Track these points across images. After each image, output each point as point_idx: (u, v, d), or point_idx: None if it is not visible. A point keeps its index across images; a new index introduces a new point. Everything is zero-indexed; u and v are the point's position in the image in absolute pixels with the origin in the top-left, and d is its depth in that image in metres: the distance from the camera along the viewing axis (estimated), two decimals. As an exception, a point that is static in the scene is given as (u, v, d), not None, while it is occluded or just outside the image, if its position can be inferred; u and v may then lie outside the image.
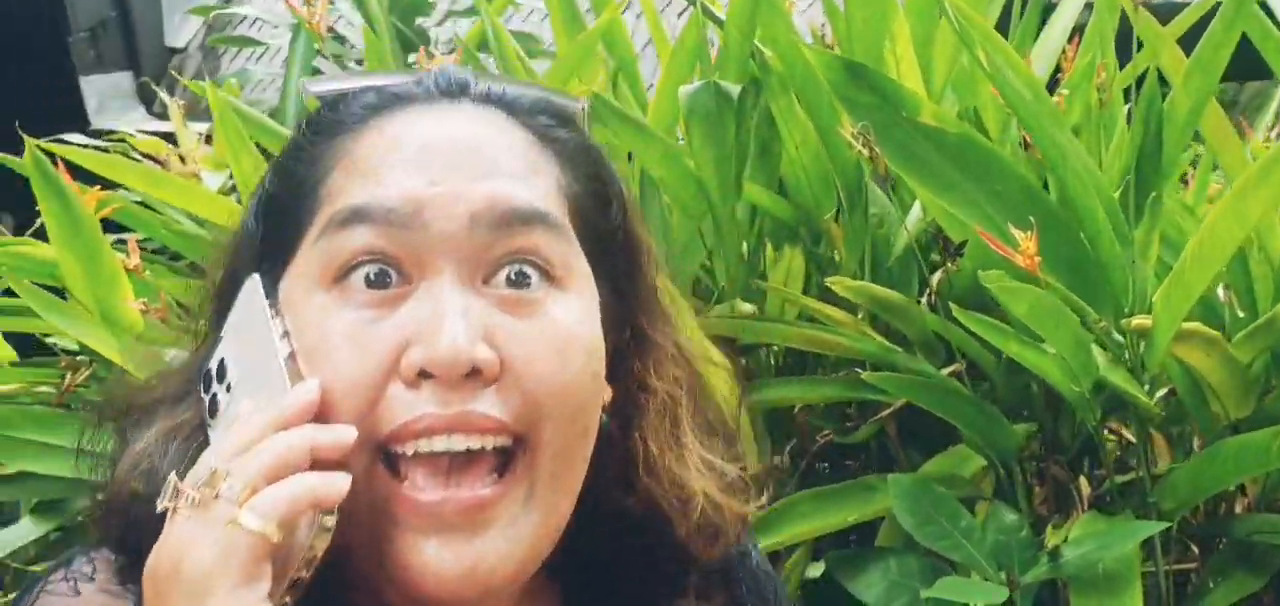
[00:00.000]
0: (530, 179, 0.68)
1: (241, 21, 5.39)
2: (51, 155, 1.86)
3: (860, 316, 1.93)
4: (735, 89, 1.79)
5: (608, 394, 0.72)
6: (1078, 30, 2.12)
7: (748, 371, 1.98)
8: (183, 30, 6.48)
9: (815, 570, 1.78)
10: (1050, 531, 1.73)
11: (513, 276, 0.67)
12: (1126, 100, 2.09)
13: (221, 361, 0.70)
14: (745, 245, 2.26)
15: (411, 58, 3.11)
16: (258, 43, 3.44)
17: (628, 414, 0.74)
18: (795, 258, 2.19)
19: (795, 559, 1.79)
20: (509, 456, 0.66)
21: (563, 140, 0.72)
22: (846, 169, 1.89)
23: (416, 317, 0.64)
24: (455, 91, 0.72)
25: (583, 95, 1.85)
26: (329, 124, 0.71)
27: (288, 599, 0.63)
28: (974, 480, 1.88)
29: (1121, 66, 2.10)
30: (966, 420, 1.81)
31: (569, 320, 0.67)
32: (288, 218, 0.70)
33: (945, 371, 1.96)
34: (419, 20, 2.94)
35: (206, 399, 0.70)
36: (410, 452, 0.65)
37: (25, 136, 1.78)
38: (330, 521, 0.63)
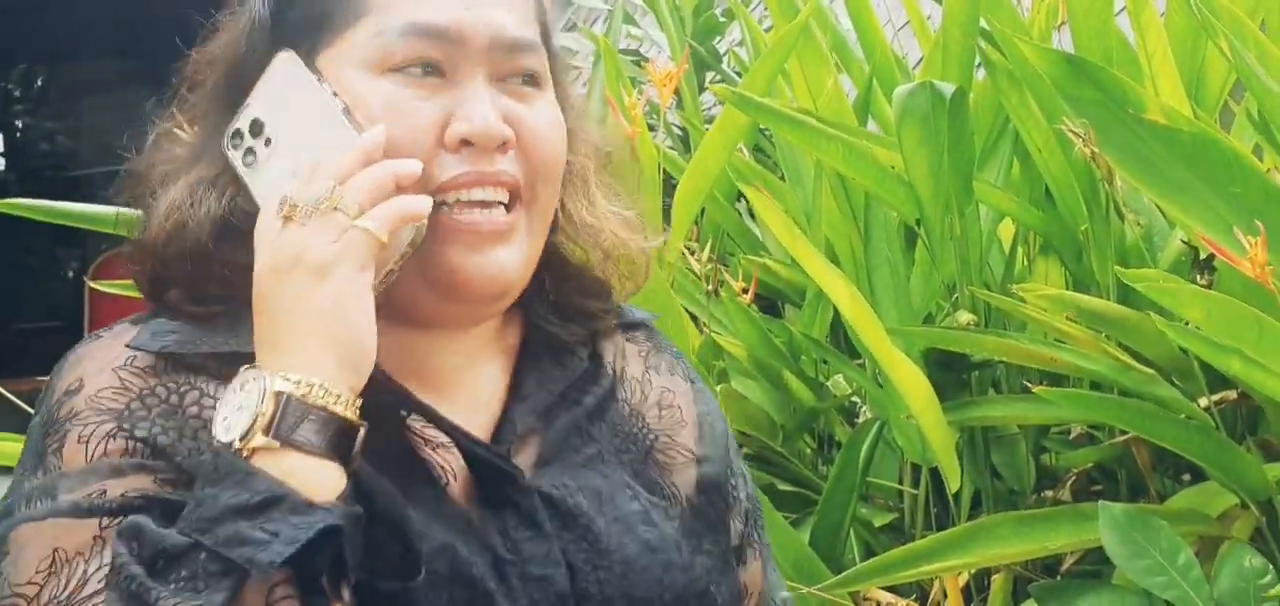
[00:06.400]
0: (524, 11, 0.93)
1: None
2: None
3: (1104, 335, 1.78)
4: (949, 88, 1.70)
5: None
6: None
7: (971, 385, 1.87)
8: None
9: None
10: (1294, 580, 1.52)
11: (516, 82, 0.91)
12: None
13: (254, 121, 0.88)
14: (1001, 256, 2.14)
15: (708, 75, 3.16)
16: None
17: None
18: (1052, 270, 2.05)
19: (997, 585, 1.67)
20: (512, 203, 0.91)
21: None
22: (1080, 171, 1.75)
23: (456, 101, 0.88)
24: None
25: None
26: None
27: (381, 286, 0.85)
28: (1223, 518, 1.68)
29: None
30: (1204, 454, 1.62)
31: (551, 112, 0.93)
32: (316, 9, 0.90)
33: (1209, 400, 1.77)
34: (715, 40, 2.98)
35: (239, 152, 0.88)
36: (452, 199, 0.88)
37: None
38: (423, 227, 0.85)
